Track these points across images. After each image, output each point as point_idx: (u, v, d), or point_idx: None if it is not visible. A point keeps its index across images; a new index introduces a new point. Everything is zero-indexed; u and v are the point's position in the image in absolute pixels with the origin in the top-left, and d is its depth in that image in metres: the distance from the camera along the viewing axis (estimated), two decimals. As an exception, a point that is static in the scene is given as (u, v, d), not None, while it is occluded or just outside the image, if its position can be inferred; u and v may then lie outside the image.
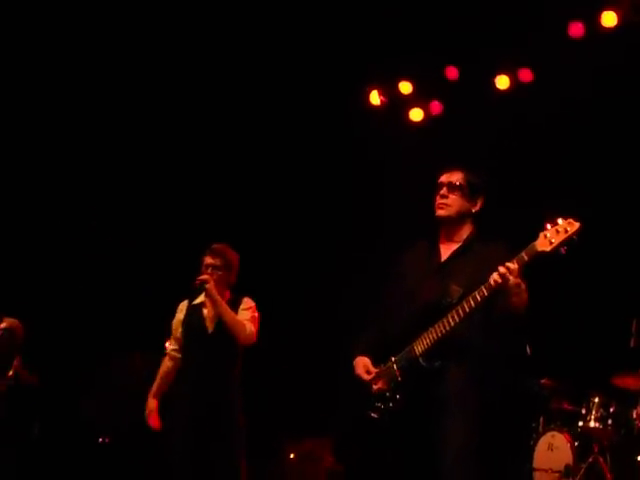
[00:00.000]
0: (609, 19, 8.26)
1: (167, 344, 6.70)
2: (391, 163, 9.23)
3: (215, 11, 8.99)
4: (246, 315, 6.38)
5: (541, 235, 4.34)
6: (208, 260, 6.38)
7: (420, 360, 4.66)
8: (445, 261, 4.86)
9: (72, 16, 8.74)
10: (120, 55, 9.13)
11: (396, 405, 4.73)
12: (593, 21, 8.34)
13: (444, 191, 4.88)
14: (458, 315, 4.52)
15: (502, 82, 8.99)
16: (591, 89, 8.24)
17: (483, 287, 4.45)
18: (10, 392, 8.08)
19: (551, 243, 4.29)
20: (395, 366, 4.77)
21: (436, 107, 9.54)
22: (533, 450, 7.86)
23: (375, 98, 9.66)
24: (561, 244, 4.29)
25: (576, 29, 8.43)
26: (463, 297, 4.54)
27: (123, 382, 8.90)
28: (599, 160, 8.37)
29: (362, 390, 4.88)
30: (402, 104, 9.62)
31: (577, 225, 4.29)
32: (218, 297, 6.26)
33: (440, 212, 4.89)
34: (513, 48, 8.76)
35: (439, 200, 4.89)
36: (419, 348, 4.66)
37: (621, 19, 8.21)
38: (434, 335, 4.60)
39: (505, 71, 8.96)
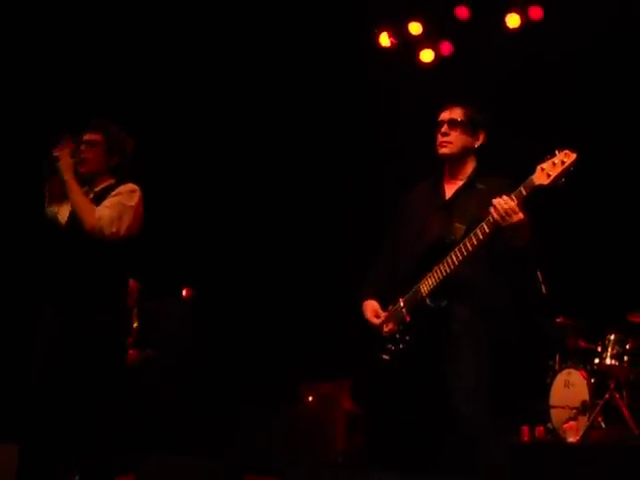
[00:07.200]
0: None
1: None
2: (403, 104, 9.17)
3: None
4: (109, 201, 5.15)
5: (538, 168, 4.30)
6: (85, 136, 5.29)
7: (427, 300, 4.66)
8: (449, 199, 4.86)
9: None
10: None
11: (406, 346, 4.73)
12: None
13: (445, 129, 4.84)
14: (461, 253, 4.51)
15: (512, 21, 8.88)
16: (603, 27, 8.11)
17: (484, 224, 4.43)
18: None
19: (548, 176, 4.26)
20: (403, 307, 4.77)
21: (446, 47, 9.44)
22: (550, 387, 7.93)
23: (385, 39, 9.56)
24: (559, 176, 4.25)
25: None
26: (466, 235, 4.53)
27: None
28: (609, 97, 8.29)
29: (373, 333, 4.89)
30: (412, 45, 9.53)
31: (573, 156, 4.24)
32: (69, 176, 5.11)
33: (443, 150, 4.86)
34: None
35: (441, 138, 4.86)
36: (425, 288, 4.67)
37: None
38: (439, 274, 4.61)
39: (515, 9, 8.84)
